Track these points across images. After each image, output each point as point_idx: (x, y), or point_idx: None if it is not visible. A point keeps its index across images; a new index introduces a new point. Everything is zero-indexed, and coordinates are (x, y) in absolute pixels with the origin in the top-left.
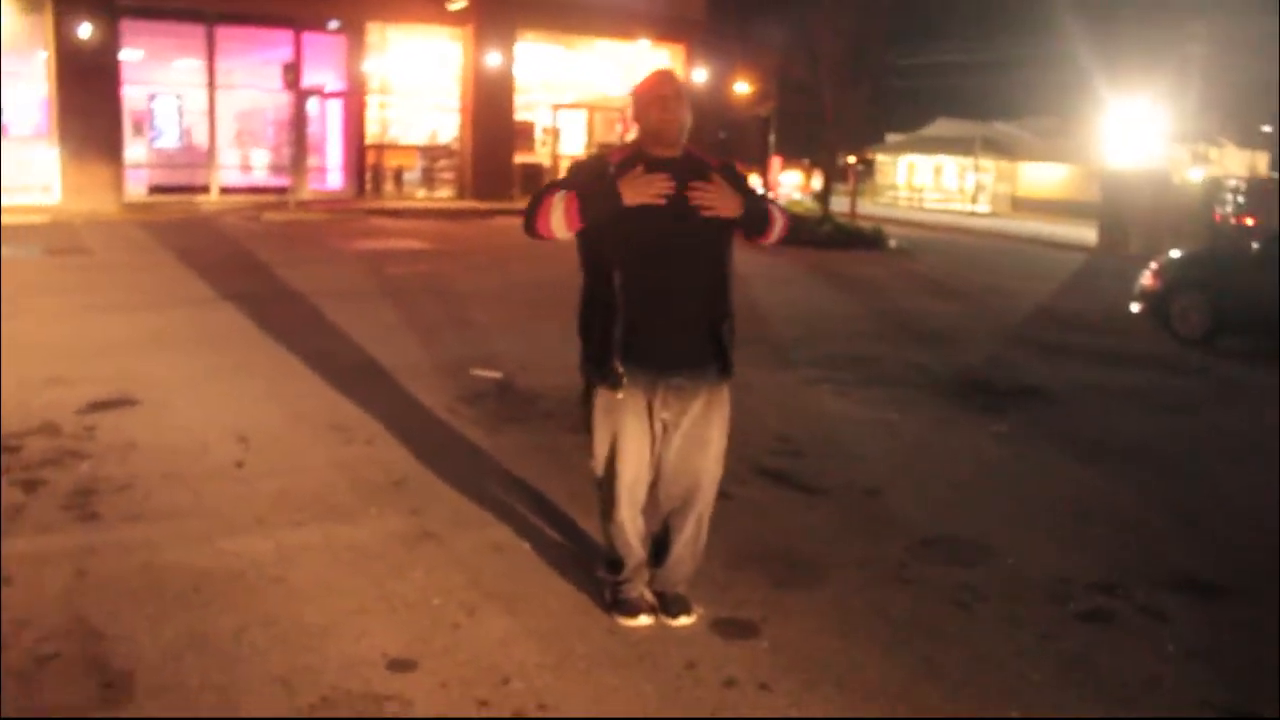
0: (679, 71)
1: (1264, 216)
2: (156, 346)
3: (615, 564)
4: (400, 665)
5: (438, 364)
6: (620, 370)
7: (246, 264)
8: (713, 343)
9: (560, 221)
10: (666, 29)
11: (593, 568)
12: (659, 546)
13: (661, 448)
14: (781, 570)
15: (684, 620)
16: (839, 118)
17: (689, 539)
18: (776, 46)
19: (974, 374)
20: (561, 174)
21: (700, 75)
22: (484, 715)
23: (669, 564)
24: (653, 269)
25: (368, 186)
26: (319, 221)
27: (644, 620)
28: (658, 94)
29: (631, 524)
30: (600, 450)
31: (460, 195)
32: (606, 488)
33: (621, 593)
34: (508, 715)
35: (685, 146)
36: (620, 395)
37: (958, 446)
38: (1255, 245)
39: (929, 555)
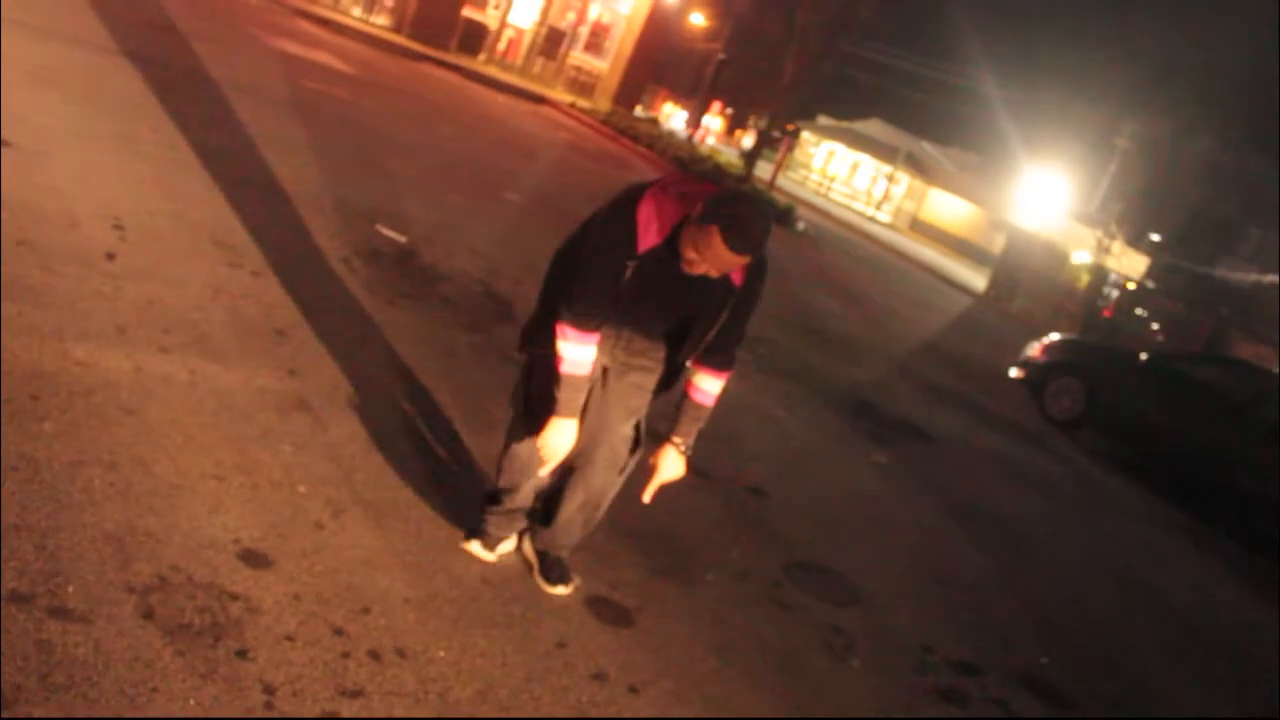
0: None
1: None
2: (41, 84)
3: (495, 496)
4: (253, 559)
5: (340, 204)
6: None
7: (153, 18)
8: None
9: (578, 353)
10: None
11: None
12: (550, 504)
13: (602, 390)
14: (662, 555)
15: (560, 590)
16: (794, 85)
17: (585, 504)
18: None
19: (862, 394)
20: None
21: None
22: (339, 650)
23: (557, 524)
24: (639, 315)
25: None
26: (243, 2)
27: (490, 556)
28: (725, 268)
29: (533, 470)
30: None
31: (396, 29)
32: (524, 428)
33: (487, 523)
34: (364, 652)
35: None
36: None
37: (839, 467)
38: (1144, 356)
39: (804, 581)
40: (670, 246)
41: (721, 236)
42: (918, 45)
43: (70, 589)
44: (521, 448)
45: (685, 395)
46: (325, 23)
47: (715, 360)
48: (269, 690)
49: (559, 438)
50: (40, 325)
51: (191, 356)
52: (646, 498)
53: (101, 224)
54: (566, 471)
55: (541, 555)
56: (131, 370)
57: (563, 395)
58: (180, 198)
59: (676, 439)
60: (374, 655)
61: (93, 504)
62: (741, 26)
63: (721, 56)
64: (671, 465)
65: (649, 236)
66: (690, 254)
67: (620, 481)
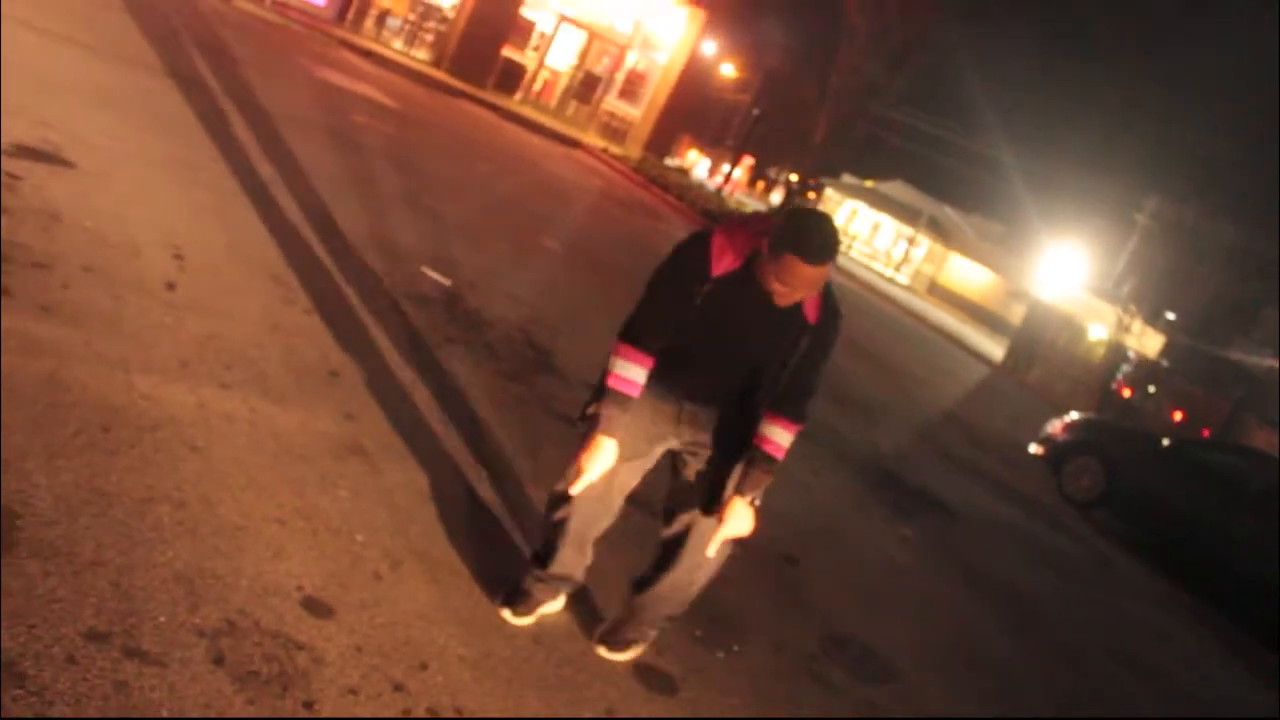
0: (691, 35)
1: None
2: (103, 105)
3: (542, 558)
4: (316, 608)
5: (389, 244)
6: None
7: (211, 45)
8: (733, 436)
9: (628, 371)
10: None
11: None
12: (643, 581)
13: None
14: (702, 624)
15: (618, 656)
16: (825, 143)
17: (688, 584)
18: (777, 47)
19: (885, 463)
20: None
21: (710, 48)
22: (400, 706)
23: (651, 597)
24: (704, 344)
25: (349, 16)
26: (289, 30)
27: (525, 621)
28: (809, 289)
29: (582, 540)
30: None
31: (436, 64)
32: (586, 503)
33: (525, 585)
34: (424, 708)
35: None
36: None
37: (867, 538)
38: (1165, 441)
39: (839, 656)
40: (746, 271)
41: (798, 256)
42: (946, 112)
43: (145, 630)
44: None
45: (755, 447)
46: (368, 54)
47: (788, 410)
48: None
49: (600, 456)
50: (107, 355)
51: (252, 395)
52: (711, 551)
53: (162, 252)
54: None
55: (617, 626)
56: (195, 406)
57: (605, 411)
58: (236, 229)
59: (747, 493)
60: (432, 712)
61: (163, 542)
62: (772, 80)
63: (757, 112)
64: (741, 519)
65: (723, 262)
66: (777, 286)
67: (713, 564)
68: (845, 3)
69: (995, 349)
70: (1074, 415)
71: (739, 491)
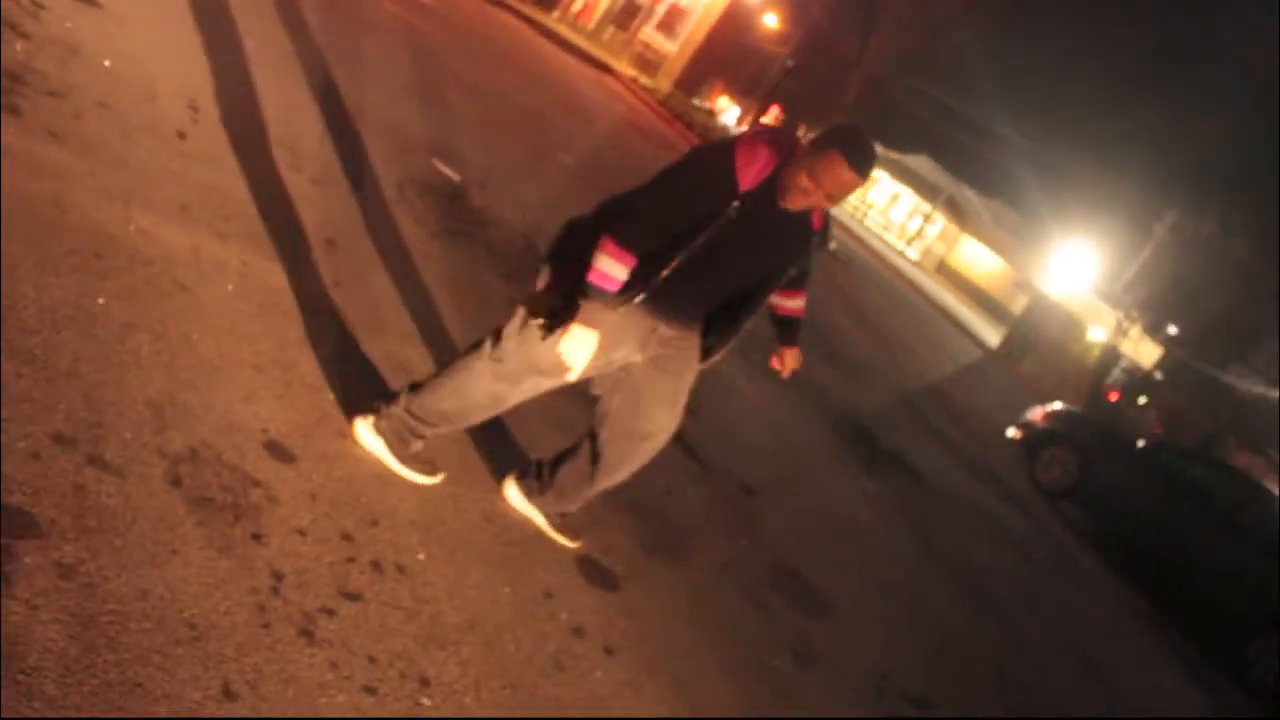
0: None
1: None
2: None
3: (447, 420)
4: (278, 451)
5: (401, 132)
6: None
7: None
8: (717, 341)
9: (609, 268)
10: None
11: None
12: (562, 456)
13: (634, 384)
14: (653, 532)
15: (567, 542)
16: (856, 105)
17: (615, 475)
18: (824, 4)
19: (863, 420)
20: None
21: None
22: (345, 554)
23: (582, 482)
24: (709, 266)
25: None
26: None
27: (439, 478)
28: (841, 194)
29: (499, 407)
30: (533, 340)
31: None
32: (510, 363)
33: (422, 450)
34: (367, 561)
35: None
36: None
37: (830, 486)
38: (1141, 443)
39: (782, 586)
40: (767, 189)
41: (845, 159)
42: (980, 93)
43: (110, 442)
44: (491, 382)
45: (784, 315)
46: None
47: (797, 286)
48: (277, 576)
49: (580, 345)
50: (110, 187)
51: (247, 248)
52: (790, 373)
53: (178, 102)
54: (614, 444)
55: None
56: (189, 248)
57: (587, 303)
58: (254, 93)
59: (792, 346)
60: (376, 566)
61: (139, 368)
62: (813, 36)
63: (790, 63)
64: (797, 358)
65: (748, 175)
66: (804, 182)
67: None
68: None
69: (992, 335)
70: (1056, 405)
71: (791, 344)
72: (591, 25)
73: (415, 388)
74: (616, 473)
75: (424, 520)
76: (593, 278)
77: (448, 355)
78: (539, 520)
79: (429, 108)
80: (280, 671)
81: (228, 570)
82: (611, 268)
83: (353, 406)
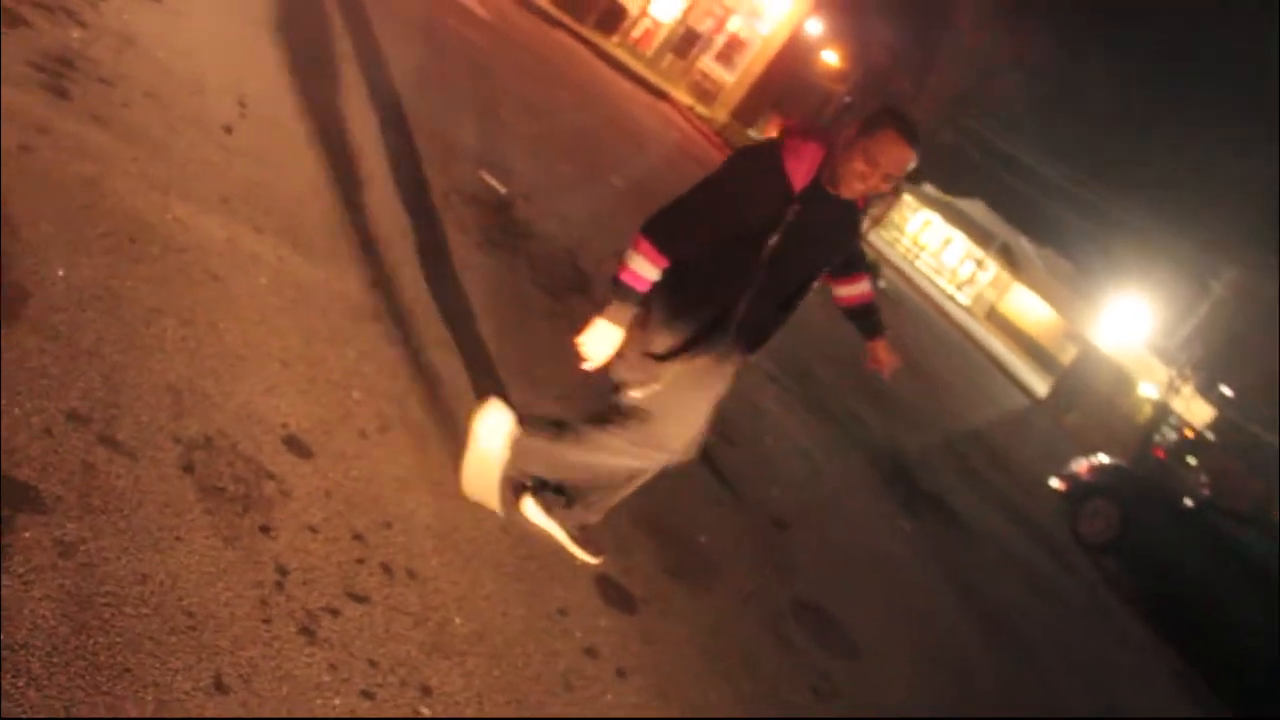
0: (798, 11)
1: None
2: None
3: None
4: (296, 446)
5: (452, 142)
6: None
7: None
8: (760, 338)
9: (640, 267)
10: None
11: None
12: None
13: (674, 397)
14: (677, 556)
15: (588, 558)
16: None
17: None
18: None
19: (903, 459)
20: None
21: (815, 27)
22: (355, 554)
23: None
24: (775, 280)
25: None
26: None
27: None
28: (896, 172)
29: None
30: (671, 418)
31: None
32: (646, 445)
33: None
34: (378, 563)
35: None
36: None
37: (864, 523)
38: (1189, 502)
39: (807, 622)
40: (819, 184)
41: (901, 135)
42: (1038, 138)
43: (124, 423)
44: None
45: (857, 305)
46: None
47: (852, 268)
48: (282, 571)
49: (602, 339)
50: (150, 175)
51: (284, 243)
52: (896, 370)
53: (227, 97)
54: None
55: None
56: (225, 240)
57: (616, 300)
58: (306, 94)
59: (882, 335)
60: (386, 569)
61: (162, 352)
62: (871, 74)
63: (847, 99)
64: (891, 351)
65: (799, 173)
66: (861, 167)
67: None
68: (956, 6)
69: (1040, 384)
70: (1102, 458)
71: (880, 333)
72: (651, 52)
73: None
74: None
75: (440, 527)
76: (623, 275)
77: (480, 363)
78: (559, 535)
79: (481, 121)
80: (276, 668)
81: (232, 561)
82: (643, 266)
83: (377, 407)
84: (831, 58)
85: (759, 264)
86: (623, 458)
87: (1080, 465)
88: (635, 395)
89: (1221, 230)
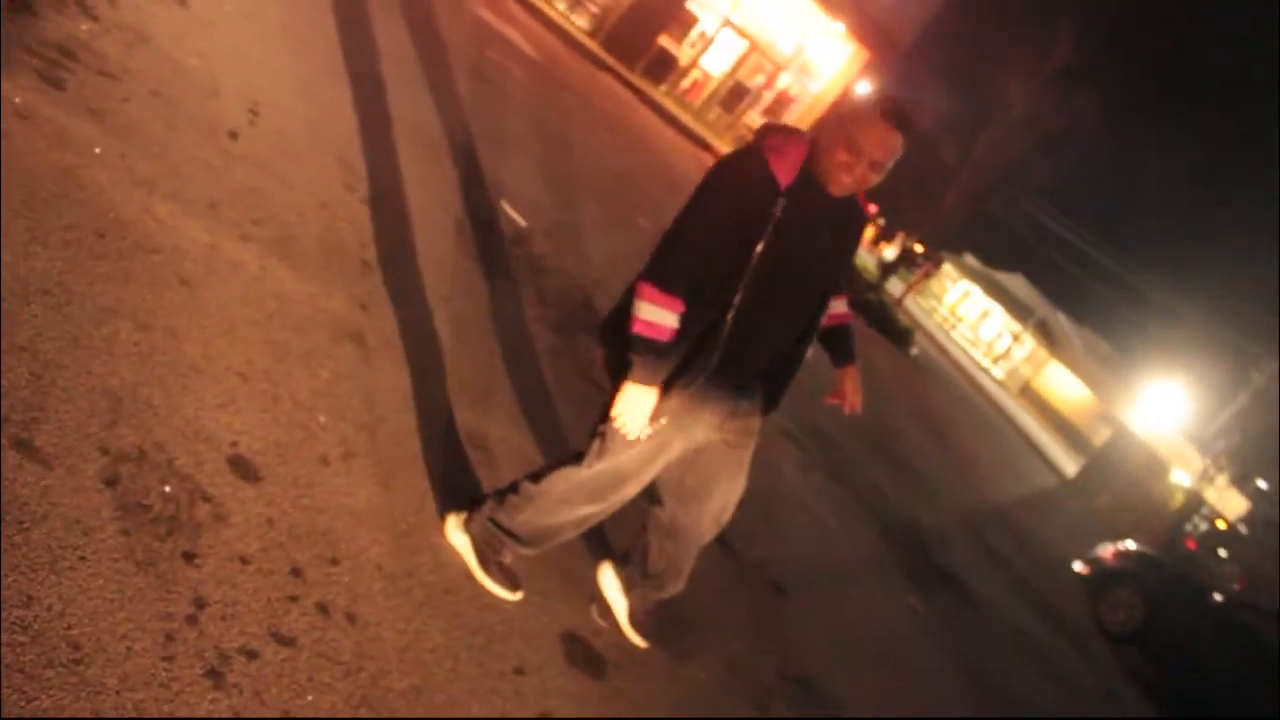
0: (849, 73)
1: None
2: None
3: (531, 541)
4: (242, 468)
5: (477, 170)
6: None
7: None
8: (779, 382)
9: (655, 316)
10: (868, 30)
11: (484, 507)
12: (637, 554)
13: (706, 464)
14: (660, 617)
15: (639, 640)
16: (952, 213)
17: (689, 559)
18: (930, 106)
19: (918, 531)
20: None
21: (864, 88)
22: (289, 591)
23: (658, 575)
24: (772, 291)
25: None
26: None
27: (518, 596)
28: (882, 157)
29: (586, 526)
30: (621, 449)
31: (592, 34)
32: (596, 488)
33: (511, 564)
34: (313, 602)
35: None
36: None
37: (870, 596)
38: (1218, 597)
39: (796, 698)
40: (806, 179)
41: (882, 116)
42: (1083, 216)
43: (46, 428)
44: (586, 486)
45: (831, 326)
46: (528, 5)
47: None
48: (199, 604)
49: (635, 407)
50: (137, 172)
51: (270, 253)
52: (858, 409)
53: (238, 103)
54: (682, 530)
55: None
56: (205, 245)
57: (639, 359)
58: (323, 107)
59: (852, 363)
60: (322, 609)
61: (109, 354)
62: (917, 141)
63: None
64: (858, 384)
65: (784, 167)
66: (842, 156)
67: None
68: (1010, 77)
69: (1070, 465)
70: (1130, 544)
71: (850, 360)
72: (698, 103)
73: (500, 497)
74: (700, 543)
75: (393, 569)
76: (638, 329)
77: (467, 396)
78: (620, 612)
79: (511, 153)
80: (168, 714)
81: (141, 588)
82: (656, 314)
83: (343, 434)
84: None
85: (747, 267)
86: (580, 508)
87: (1106, 550)
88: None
89: (1267, 321)
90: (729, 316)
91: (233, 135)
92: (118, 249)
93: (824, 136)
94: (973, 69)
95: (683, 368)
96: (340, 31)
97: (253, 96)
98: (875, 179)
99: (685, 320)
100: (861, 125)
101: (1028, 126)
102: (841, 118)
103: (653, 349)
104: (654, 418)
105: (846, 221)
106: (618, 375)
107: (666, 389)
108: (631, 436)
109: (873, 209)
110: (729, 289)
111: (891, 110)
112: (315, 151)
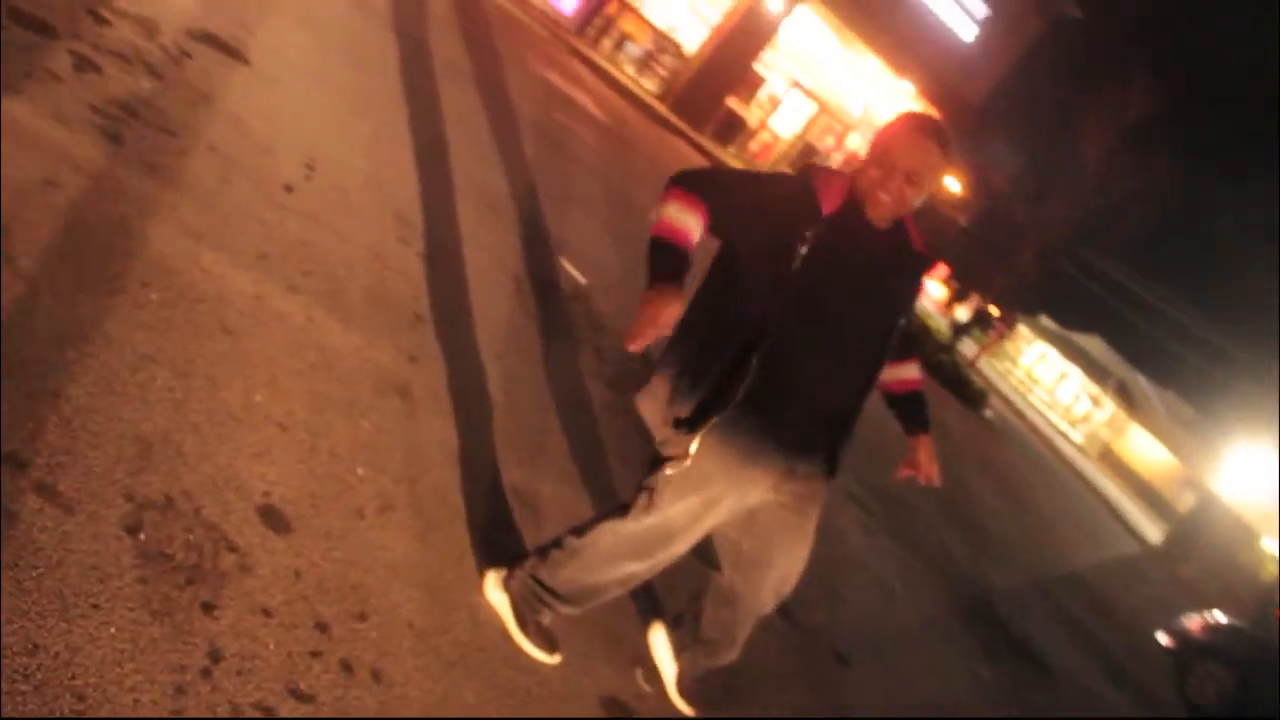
0: None
1: None
2: (310, 29)
3: (574, 599)
4: (273, 518)
5: (538, 228)
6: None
7: (439, 14)
8: (838, 437)
9: (676, 216)
10: (937, 90)
11: (530, 565)
12: (690, 617)
13: (764, 528)
14: (710, 683)
15: (685, 708)
16: (1027, 275)
17: (745, 629)
18: (1003, 169)
19: (989, 597)
20: (760, 170)
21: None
22: (312, 645)
23: (711, 642)
24: (816, 327)
25: (590, 30)
26: (529, 28)
27: (557, 658)
28: (914, 166)
29: (631, 585)
30: (669, 503)
31: (661, 98)
32: (642, 544)
33: (550, 625)
34: (337, 659)
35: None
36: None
37: (937, 667)
38: None
39: None
40: (851, 210)
41: (911, 123)
42: (1164, 275)
43: (71, 472)
44: (631, 541)
45: (903, 394)
46: (597, 69)
47: (906, 352)
48: (215, 656)
49: (653, 311)
50: (188, 223)
51: (318, 305)
52: (935, 480)
53: (295, 158)
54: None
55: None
56: (251, 295)
57: (655, 263)
58: (382, 163)
59: (926, 432)
60: (346, 666)
61: (143, 402)
62: (992, 203)
63: (963, 224)
64: (933, 454)
65: (830, 197)
66: (875, 173)
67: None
68: (1082, 135)
69: (1153, 531)
70: (1219, 616)
71: (924, 429)
72: (767, 165)
73: (542, 554)
74: (758, 613)
75: (425, 626)
76: (659, 230)
77: (515, 450)
78: (669, 677)
79: (574, 211)
80: None
81: (155, 638)
82: (679, 214)
83: (381, 486)
84: (952, 184)
85: (782, 284)
86: (626, 565)
87: (1192, 621)
88: (670, 475)
89: None
90: (765, 342)
91: (288, 189)
92: (161, 298)
93: (859, 166)
94: (1045, 127)
95: (716, 393)
96: (406, 93)
97: (311, 153)
98: (914, 195)
99: (718, 339)
100: (890, 138)
101: (1103, 184)
102: (871, 140)
103: (672, 251)
104: (688, 442)
105: (900, 263)
106: (658, 427)
107: (702, 419)
108: (638, 344)
109: (944, 269)
110: (764, 307)
111: (920, 119)
112: (372, 206)
